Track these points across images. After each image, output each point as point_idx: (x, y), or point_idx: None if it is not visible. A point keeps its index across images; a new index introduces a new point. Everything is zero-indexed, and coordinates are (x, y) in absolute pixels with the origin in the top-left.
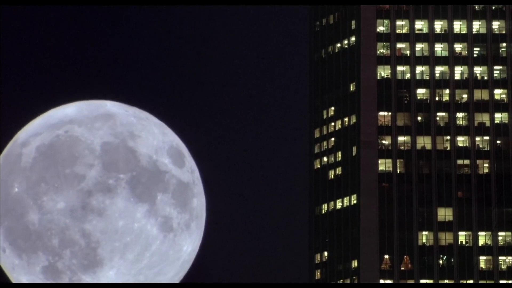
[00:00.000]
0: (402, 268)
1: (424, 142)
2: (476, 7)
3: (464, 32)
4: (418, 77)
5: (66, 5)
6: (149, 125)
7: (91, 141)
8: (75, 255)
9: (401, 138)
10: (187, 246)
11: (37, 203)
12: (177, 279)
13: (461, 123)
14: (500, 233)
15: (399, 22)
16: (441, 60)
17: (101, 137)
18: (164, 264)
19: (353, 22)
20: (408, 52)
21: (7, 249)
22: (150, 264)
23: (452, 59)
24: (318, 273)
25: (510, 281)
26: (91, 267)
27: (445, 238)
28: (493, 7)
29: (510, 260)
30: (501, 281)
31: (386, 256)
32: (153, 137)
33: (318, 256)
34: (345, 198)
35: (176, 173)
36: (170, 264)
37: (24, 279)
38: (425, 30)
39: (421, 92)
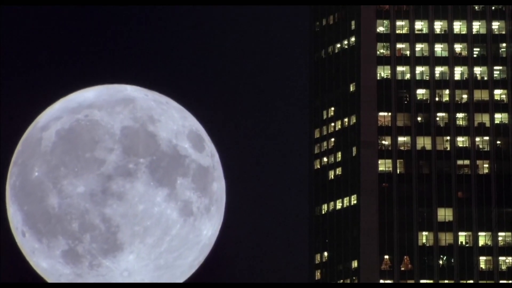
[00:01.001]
0: (402, 269)
1: (424, 142)
2: (476, 7)
3: (464, 32)
4: (418, 77)
5: None
6: (169, 109)
7: (111, 125)
8: (95, 239)
9: (401, 139)
10: (207, 230)
11: (57, 187)
12: (197, 263)
13: (461, 123)
14: (500, 234)
15: (399, 22)
16: (441, 61)
17: (121, 121)
18: (184, 248)
19: (353, 22)
20: (408, 53)
21: (27, 233)
22: (170, 248)
23: (452, 60)
24: (318, 273)
25: (510, 282)
26: (111, 251)
27: (445, 238)
28: (493, 7)
29: (510, 261)
30: (501, 282)
31: (386, 257)
32: (173, 122)
33: (318, 256)
34: (345, 198)
35: (196, 157)
36: (190, 248)
37: (44, 264)
38: (425, 31)
39: (421, 92)
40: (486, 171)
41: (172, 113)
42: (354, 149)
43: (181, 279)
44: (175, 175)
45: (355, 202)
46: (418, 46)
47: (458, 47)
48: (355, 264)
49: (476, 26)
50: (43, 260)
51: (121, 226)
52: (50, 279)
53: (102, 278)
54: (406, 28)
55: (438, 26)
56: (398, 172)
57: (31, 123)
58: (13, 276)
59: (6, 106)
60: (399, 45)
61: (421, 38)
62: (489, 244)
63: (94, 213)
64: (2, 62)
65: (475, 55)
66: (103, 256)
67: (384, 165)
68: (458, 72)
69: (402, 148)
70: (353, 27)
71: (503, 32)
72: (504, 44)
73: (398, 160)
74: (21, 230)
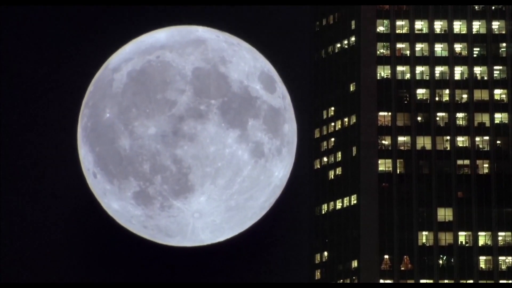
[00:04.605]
0: (402, 268)
1: (424, 142)
2: (476, 7)
3: (464, 32)
4: (418, 77)
5: None
6: (240, 50)
7: (182, 67)
8: (166, 180)
9: (401, 138)
10: (278, 172)
11: (128, 129)
12: (268, 204)
13: (461, 123)
14: (500, 233)
15: (399, 22)
16: (441, 60)
17: (192, 63)
18: (255, 189)
19: (353, 22)
20: (408, 52)
21: (98, 175)
22: (241, 190)
23: (452, 59)
24: (318, 273)
25: (510, 281)
26: (182, 192)
27: (445, 238)
28: (493, 7)
29: (510, 260)
30: (501, 281)
31: (386, 256)
32: (244, 63)
33: (318, 256)
34: (345, 198)
35: (267, 98)
36: (261, 190)
37: (115, 205)
38: (425, 30)
39: (421, 92)
40: (486, 171)
41: (244, 54)
42: (354, 149)
43: (252, 220)
44: (247, 117)
45: (355, 202)
46: (418, 46)
47: (458, 47)
48: (355, 264)
49: (476, 26)
50: (114, 202)
51: (193, 168)
52: (121, 221)
53: (174, 219)
54: (406, 28)
55: (438, 26)
56: (398, 172)
57: (102, 64)
58: (84, 217)
59: (78, 48)
60: (399, 45)
61: (421, 38)
62: (489, 244)
63: (165, 154)
64: (74, 5)
65: (475, 55)
66: (174, 198)
67: (384, 165)
68: (458, 72)
69: (402, 148)
70: (353, 27)
71: (503, 32)
72: (504, 44)
73: (398, 160)
74: (92, 172)
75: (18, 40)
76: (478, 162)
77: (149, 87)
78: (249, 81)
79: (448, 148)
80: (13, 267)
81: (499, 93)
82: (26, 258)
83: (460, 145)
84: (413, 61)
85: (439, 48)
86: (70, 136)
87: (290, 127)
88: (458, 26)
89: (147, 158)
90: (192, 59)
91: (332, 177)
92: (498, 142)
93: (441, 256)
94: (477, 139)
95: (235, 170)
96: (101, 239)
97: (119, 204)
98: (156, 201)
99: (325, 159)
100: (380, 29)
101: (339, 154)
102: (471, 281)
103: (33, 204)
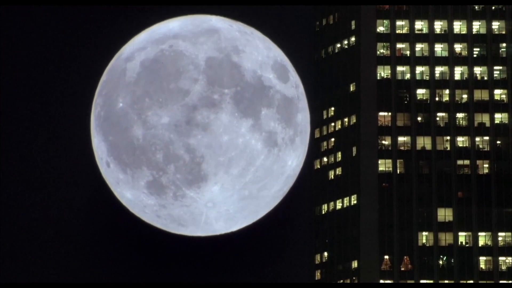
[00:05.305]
0: (402, 269)
1: (424, 142)
2: (476, 7)
3: (464, 32)
4: (418, 77)
5: None
6: (254, 40)
7: (195, 56)
8: (179, 170)
9: (401, 139)
10: (292, 161)
11: (142, 118)
12: (281, 194)
13: (461, 123)
14: (500, 234)
15: (399, 22)
16: (441, 60)
17: (205, 52)
18: (269, 179)
19: (353, 22)
20: (408, 52)
21: (112, 164)
22: (255, 179)
23: (452, 60)
24: (318, 273)
25: (510, 282)
26: (195, 182)
27: (445, 238)
28: (493, 7)
29: (510, 261)
30: (501, 282)
31: (386, 257)
32: (257, 52)
33: (318, 256)
34: (345, 198)
35: (281, 88)
36: (275, 179)
37: (128, 194)
38: (425, 30)
39: (421, 92)
40: (486, 171)
41: (257, 43)
42: (354, 149)
43: (265, 210)
44: (260, 106)
45: (355, 202)
46: (418, 46)
47: (458, 47)
48: (355, 264)
49: (476, 26)
50: (127, 191)
51: (206, 157)
52: (134, 210)
53: (187, 209)
54: (406, 28)
55: (438, 26)
56: (398, 172)
57: (115, 54)
58: (97, 207)
59: (91, 37)
60: (399, 45)
61: (421, 38)
62: (489, 244)
63: (179, 143)
64: None
65: (475, 55)
66: (187, 187)
67: (384, 165)
68: (458, 72)
69: (402, 148)
70: (353, 27)
71: (503, 32)
72: (504, 44)
73: (398, 160)
74: (105, 161)
75: (31, 30)
76: (478, 162)
77: (162, 77)
78: (263, 71)
79: (448, 148)
80: (23, 258)
81: (499, 93)
82: (38, 248)
83: (460, 145)
84: (413, 61)
85: (439, 48)
86: (83, 125)
87: (303, 117)
88: (458, 26)
89: (160, 148)
90: (205, 48)
91: (332, 177)
92: (498, 142)
93: (441, 256)
94: (477, 139)
95: (249, 159)
96: (114, 229)
97: (132, 193)
98: (169, 190)
99: (325, 159)
100: (380, 29)
101: (339, 154)
102: (471, 282)
103: (46, 193)
